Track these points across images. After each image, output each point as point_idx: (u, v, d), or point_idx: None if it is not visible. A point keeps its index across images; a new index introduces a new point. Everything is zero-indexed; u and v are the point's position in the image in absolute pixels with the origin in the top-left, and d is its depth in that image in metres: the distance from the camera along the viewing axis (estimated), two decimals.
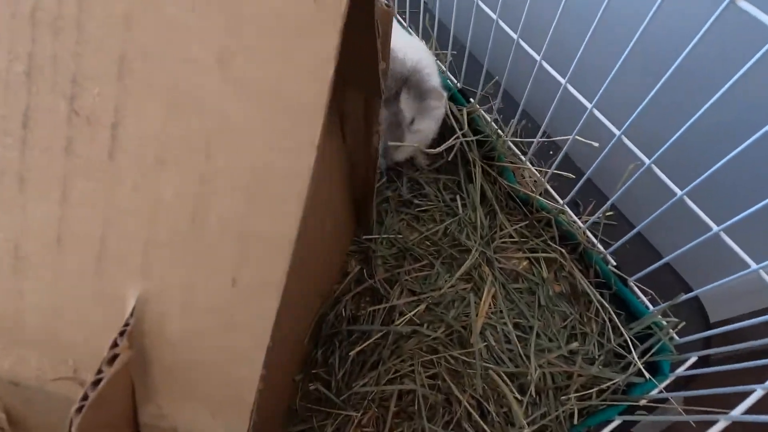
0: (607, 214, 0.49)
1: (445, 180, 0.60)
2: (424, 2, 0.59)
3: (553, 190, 0.54)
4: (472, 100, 0.57)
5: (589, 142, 0.43)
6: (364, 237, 0.56)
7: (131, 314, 0.20)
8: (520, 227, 0.55)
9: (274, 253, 0.19)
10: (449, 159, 0.57)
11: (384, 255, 0.55)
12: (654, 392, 0.41)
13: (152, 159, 0.19)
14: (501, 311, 0.51)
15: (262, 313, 0.20)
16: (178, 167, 0.19)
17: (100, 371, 0.19)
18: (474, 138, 0.54)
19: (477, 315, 0.50)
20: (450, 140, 0.52)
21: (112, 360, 0.20)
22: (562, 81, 0.41)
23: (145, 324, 0.21)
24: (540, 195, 0.53)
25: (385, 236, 0.56)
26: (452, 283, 0.52)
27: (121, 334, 0.20)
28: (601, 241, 0.50)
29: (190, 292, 0.20)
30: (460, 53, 0.58)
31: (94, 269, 0.21)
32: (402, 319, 0.49)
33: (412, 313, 0.49)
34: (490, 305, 0.52)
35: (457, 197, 0.58)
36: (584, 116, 0.40)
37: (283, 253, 0.19)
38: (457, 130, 0.54)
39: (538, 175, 0.52)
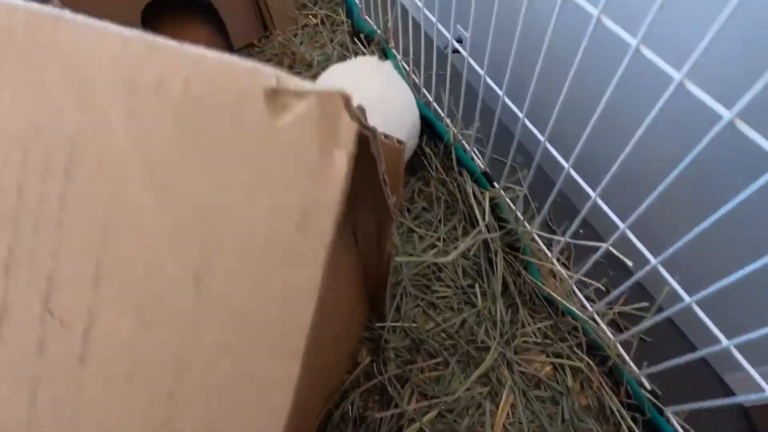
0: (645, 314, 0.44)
1: (464, 265, 0.57)
2: (456, 74, 0.57)
3: (586, 277, 0.49)
4: (496, 184, 0.55)
5: (623, 258, 0.39)
6: (378, 324, 0.53)
7: None
8: (544, 327, 0.51)
9: None
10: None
11: (396, 346, 0.52)
12: None
13: (122, 372, 0.18)
14: (520, 422, 0.47)
15: None
16: (146, 383, 0.18)
17: None
18: (498, 234, 0.51)
19: (493, 427, 0.46)
20: (470, 236, 0.50)
21: None
22: (592, 194, 0.38)
23: None
24: (569, 291, 0.50)
25: (398, 325, 0.53)
26: (468, 386, 0.49)
27: None
28: (638, 347, 0.46)
29: None
30: (488, 130, 0.55)
31: None
32: (411, 427, 0.46)
33: (423, 419, 0.46)
34: (508, 414, 0.48)
35: (476, 285, 0.55)
36: (614, 235, 0.37)
37: None
38: (480, 220, 0.52)
39: (565, 275, 0.48)
